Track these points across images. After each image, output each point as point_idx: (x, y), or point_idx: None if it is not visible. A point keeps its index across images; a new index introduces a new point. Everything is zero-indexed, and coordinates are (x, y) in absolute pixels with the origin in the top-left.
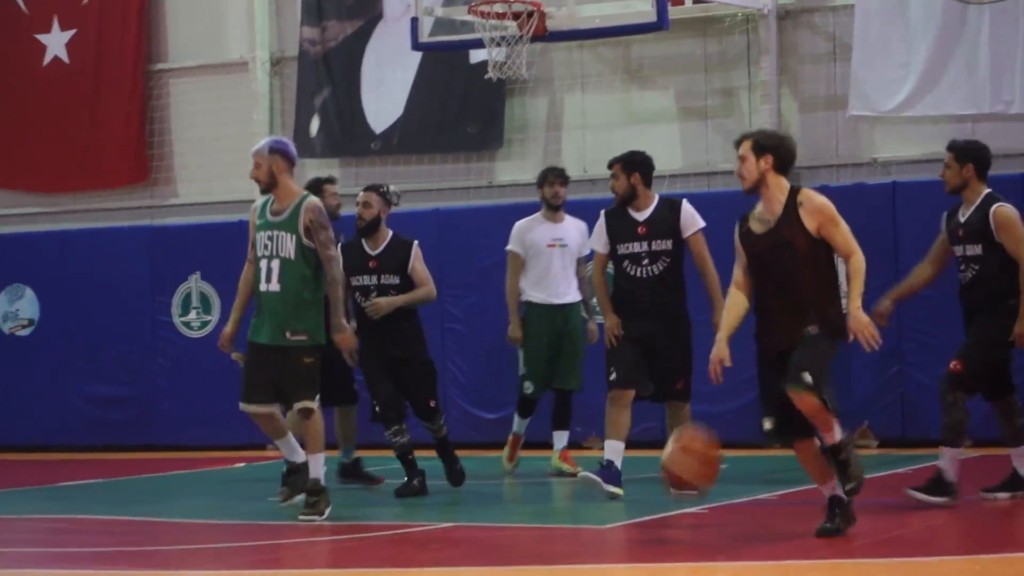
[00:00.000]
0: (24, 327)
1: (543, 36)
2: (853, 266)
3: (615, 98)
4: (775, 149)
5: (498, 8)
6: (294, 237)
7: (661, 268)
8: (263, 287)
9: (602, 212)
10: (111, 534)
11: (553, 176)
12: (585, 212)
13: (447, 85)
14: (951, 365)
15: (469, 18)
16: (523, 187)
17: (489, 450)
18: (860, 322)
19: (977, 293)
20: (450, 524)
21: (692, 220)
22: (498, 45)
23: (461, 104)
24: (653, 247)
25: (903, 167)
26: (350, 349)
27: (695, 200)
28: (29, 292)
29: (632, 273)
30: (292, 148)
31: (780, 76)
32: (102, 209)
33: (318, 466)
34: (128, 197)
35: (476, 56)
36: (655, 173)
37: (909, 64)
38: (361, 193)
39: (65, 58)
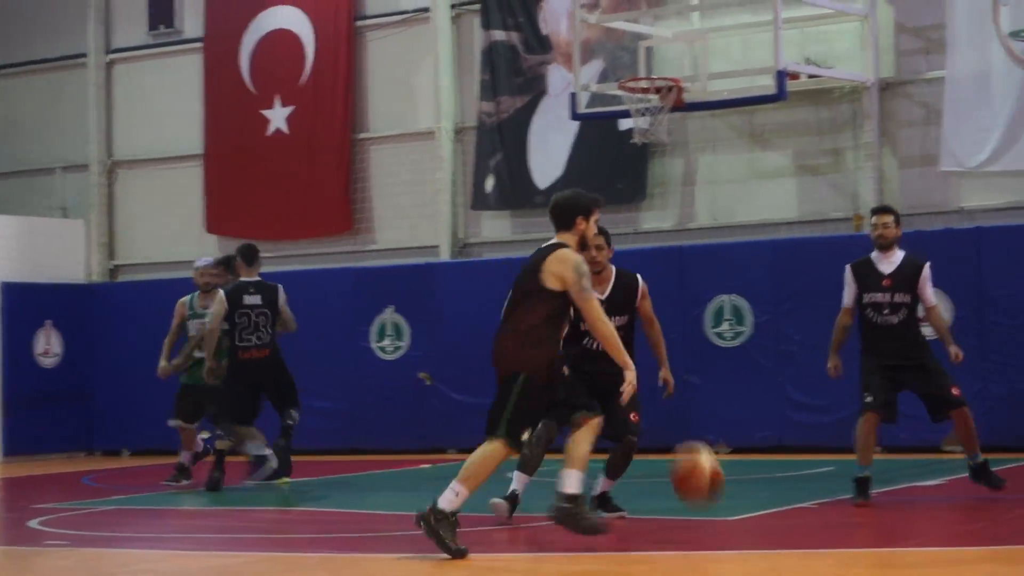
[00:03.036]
0: None
1: (681, 107)
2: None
3: (741, 158)
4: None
5: (643, 84)
6: None
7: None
8: None
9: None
10: (319, 523)
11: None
12: (715, 254)
13: (600, 148)
14: None
15: (619, 92)
16: (663, 233)
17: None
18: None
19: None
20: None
21: None
22: (643, 115)
23: (611, 164)
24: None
25: (987, 214)
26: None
27: (807, 244)
28: None
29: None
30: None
31: (882, 138)
32: (314, 254)
33: None
34: (335, 244)
35: (624, 124)
36: (773, 221)
37: (992, 126)
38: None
39: (285, 129)
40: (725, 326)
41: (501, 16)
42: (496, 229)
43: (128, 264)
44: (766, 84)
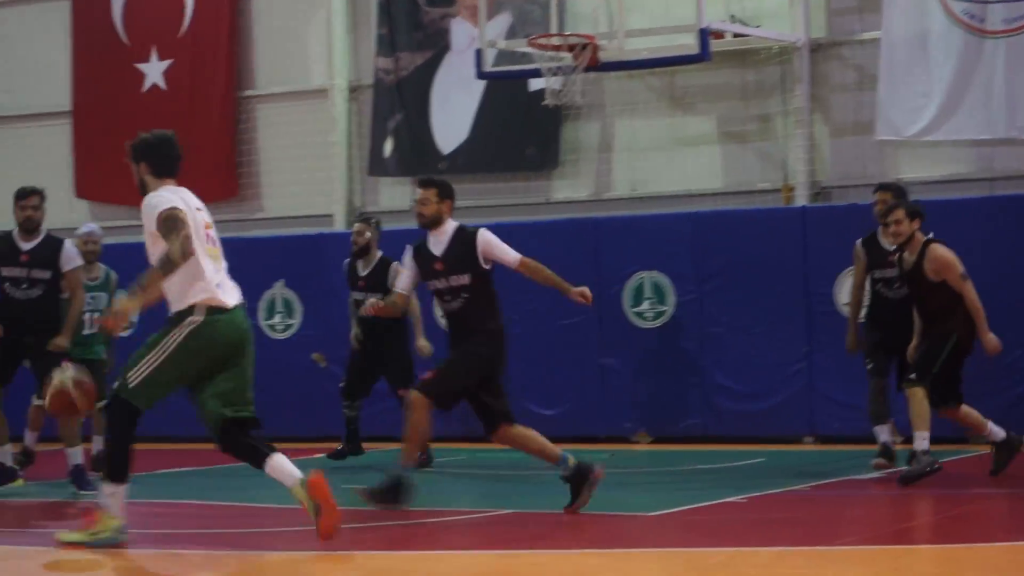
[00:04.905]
0: (124, 329)
1: (596, 66)
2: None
3: (661, 123)
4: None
5: (555, 41)
6: None
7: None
8: None
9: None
10: (200, 517)
11: None
12: (634, 227)
13: (508, 110)
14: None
15: (529, 50)
16: (577, 204)
17: None
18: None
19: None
20: (508, 511)
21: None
22: (555, 74)
23: (521, 128)
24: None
25: (925, 187)
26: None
27: (733, 217)
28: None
29: None
30: None
31: (812, 103)
32: None
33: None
34: (218, 211)
35: (535, 84)
36: (697, 192)
37: (931, 92)
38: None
39: (163, 85)
40: (645, 305)
41: None
42: (395, 197)
43: None
44: (688, 43)
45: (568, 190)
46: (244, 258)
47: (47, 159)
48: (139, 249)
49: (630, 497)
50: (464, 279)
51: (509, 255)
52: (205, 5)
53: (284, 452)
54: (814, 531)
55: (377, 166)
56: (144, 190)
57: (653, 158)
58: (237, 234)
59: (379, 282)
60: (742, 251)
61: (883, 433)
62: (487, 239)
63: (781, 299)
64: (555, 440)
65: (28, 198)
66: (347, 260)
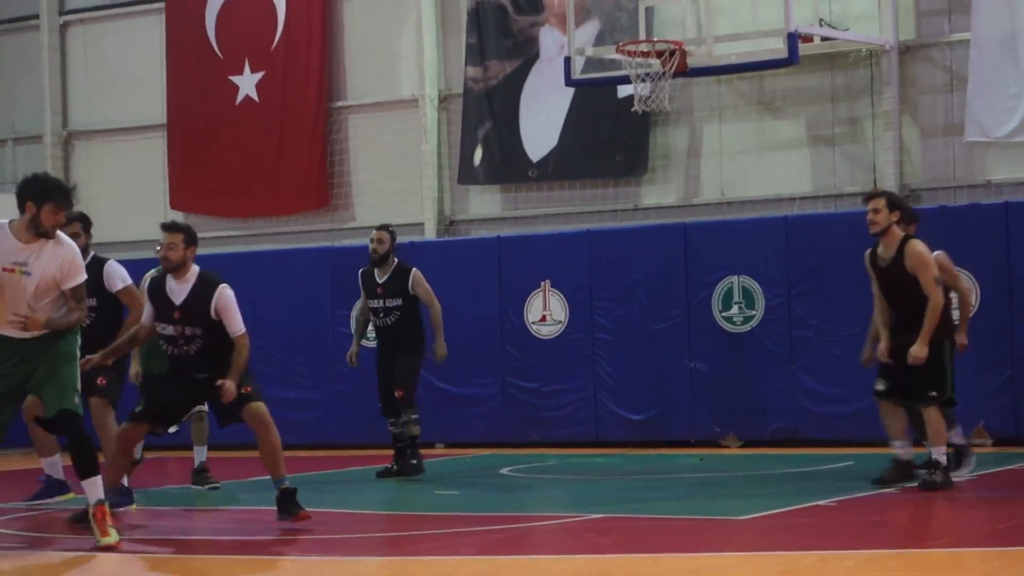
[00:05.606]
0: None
1: (684, 72)
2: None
3: (750, 127)
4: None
5: (643, 47)
6: None
7: None
8: None
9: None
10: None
11: None
12: (723, 232)
13: (597, 117)
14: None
15: (617, 57)
16: (666, 209)
17: (634, 448)
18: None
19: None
20: (597, 515)
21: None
22: (643, 81)
23: (610, 134)
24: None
25: (1015, 188)
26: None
27: (822, 220)
28: None
29: None
30: None
31: (901, 106)
32: (288, 232)
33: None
34: (311, 221)
35: (623, 91)
36: (786, 195)
37: (1020, 94)
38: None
39: (255, 97)
40: (735, 310)
41: None
42: (485, 205)
43: None
44: (776, 47)
45: (657, 195)
46: (336, 266)
47: (142, 172)
48: (232, 259)
49: (719, 501)
50: (199, 331)
51: (234, 324)
52: (296, 17)
53: (366, 458)
54: (904, 534)
55: (467, 175)
56: (40, 228)
57: (742, 162)
58: (329, 243)
59: (398, 288)
60: (832, 254)
61: (952, 436)
62: (224, 301)
63: (871, 302)
64: (645, 445)
65: (67, 225)
66: (362, 269)
